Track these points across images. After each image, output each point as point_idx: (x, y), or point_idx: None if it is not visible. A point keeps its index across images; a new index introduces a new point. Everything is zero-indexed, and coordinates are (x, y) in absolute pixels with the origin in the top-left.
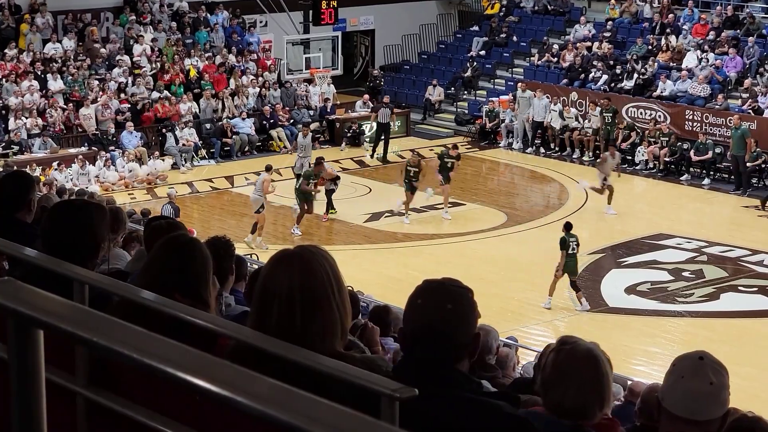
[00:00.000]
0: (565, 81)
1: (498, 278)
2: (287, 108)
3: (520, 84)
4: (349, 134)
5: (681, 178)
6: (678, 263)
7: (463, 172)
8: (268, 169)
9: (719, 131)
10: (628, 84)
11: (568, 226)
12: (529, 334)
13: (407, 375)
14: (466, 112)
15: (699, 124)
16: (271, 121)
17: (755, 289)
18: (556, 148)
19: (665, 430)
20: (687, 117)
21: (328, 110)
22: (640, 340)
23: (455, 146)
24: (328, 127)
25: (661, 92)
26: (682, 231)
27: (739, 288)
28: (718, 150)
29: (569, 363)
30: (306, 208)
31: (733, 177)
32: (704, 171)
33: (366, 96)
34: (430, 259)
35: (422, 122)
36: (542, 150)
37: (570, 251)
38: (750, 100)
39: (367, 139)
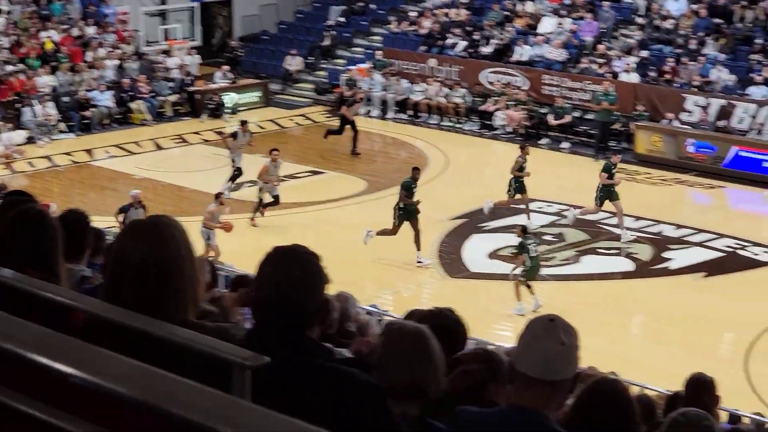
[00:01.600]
0: (423, 48)
1: (360, 246)
2: (147, 80)
3: (378, 52)
4: (210, 106)
5: (540, 143)
6: (540, 227)
7: (322, 141)
8: (216, 197)
9: (576, 95)
10: (486, 50)
11: (524, 230)
12: (392, 301)
13: (259, 343)
14: (325, 81)
15: (557, 89)
16: (131, 93)
17: (616, 251)
18: (416, 114)
19: (518, 391)
20: (544, 82)
21: (188, 82)
22: (504, 304)
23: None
24: (188, 99)
25: (519, 57)
26: (542, 195)
27: (600, 250)
28: (576, 114)
29: (398, 344)
30: (412, 224)
31: (594, 141)
32: (563, 135)
33: (225, 67)
34: (292, 227)
35: (282, 92)
36: (401, 116)
37: (532, 254)
38: (606, 65)
39: (228, 111)
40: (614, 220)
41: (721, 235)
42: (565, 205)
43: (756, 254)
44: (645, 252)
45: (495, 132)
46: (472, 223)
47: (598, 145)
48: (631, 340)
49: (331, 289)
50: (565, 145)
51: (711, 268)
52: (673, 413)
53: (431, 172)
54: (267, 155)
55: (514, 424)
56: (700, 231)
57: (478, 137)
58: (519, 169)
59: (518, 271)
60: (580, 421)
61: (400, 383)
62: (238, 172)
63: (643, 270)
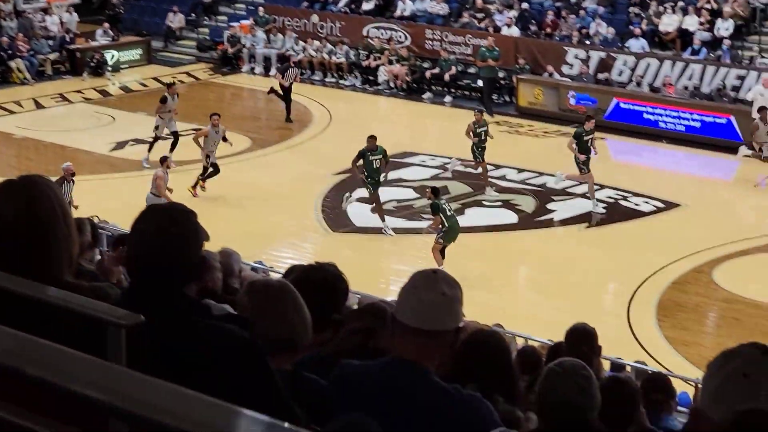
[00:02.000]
0: (305, 4)
1: (245, 203)
2: (26, 38)
3: (260, 8)
4: (92, 64)
5: (423, 97)
6: (423, 180)
7: (206, 98)
8: (162, 161)
9: (459, 49)
10: (367, 6)
11: (435, 192)
12: (278, 257)
13: (134, 302)
14: (208, 38)
15: (439, 43)
16: (9, 52)
17: (499, 203)
18: (300, 71)
19: (399, 343)
20: (427, 36)
21: (68, 40)
22: (389, 258)
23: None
24: (69, 57)
25: (402, 12)
26: (426, 148)
27: (484, 203)
28: (459, 68)
29: (264, 300)
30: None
31: (480, 96)
32: (445, 89)
33: (106, 24)
34: (176, 187)
35: (164, 50)
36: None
37: (448, 213)
38: (487, 19)
39: (110, 68)
40: (499, 172)
41: (603, 186)
42: (447, 158)
43: (637, 204)
44: (528, 204)
45: (378, 87)
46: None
47: (483, 100)
48: (515, 291)
49: (215, 246)
50: (447, 99)
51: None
52: (551, 363)
53: (315, 129)
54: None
55: (394, 377)
56: (582, 182)
57: (361, 93)
58: (476, 135)
59: (437, 235)
60: (460, 374)
61: (269, 338)
62: (174, 138)
63: (527, 222)
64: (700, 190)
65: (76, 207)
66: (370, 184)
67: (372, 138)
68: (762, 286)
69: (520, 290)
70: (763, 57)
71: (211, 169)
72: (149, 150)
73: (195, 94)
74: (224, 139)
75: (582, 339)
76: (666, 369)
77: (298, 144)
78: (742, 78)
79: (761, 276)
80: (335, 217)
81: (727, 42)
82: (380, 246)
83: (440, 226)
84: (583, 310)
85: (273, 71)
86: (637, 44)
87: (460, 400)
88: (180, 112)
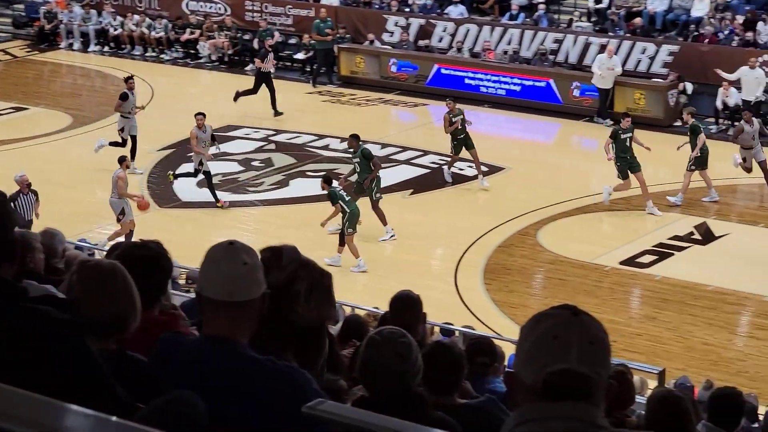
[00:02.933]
0: None
1: (68, 181)
2: None
3: None
4: None
5: (246, 69)
6: (247, 153)
7: (24, 76)
8: (121, 161)
9: (279, 20)
10: None
11: (328, 180)
12: (103, 234)
13: None
14: (24, 14)
15: (259, 14)
16: None
17: (323, 173)
18: (118, 47)
19: (208, 319)
20: (246, 8)
21: None
22: (217, 232)
23: None
24: None
25: None
26: (249, 121)
27: (308, 173)
28: (280, 39)
29: (94, 281)
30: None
31: (314, 68)
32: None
33: None
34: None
35: None
36: (104, 49)
37: (346, 199)
38: None
39: None
40: (321, 142)
41: (426, 152)
42: (272, 130)
43: (461, 169)
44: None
45: (200, 61)
46: (182, 152)
47: (319, 72)
48: (341, 261)
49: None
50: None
51: (417, 185)
52: (371, 332)
53: (138, 104)
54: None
55: (209, 353)
56: (406, 149)
57: (183, 67)
58: (452, 125)
59: (341, 226)
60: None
61: (99, 319)
62: (133, 141)
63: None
64: (522, 153)
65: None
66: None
67: (352, 137)
68: (585, 246)
69: (345, 259)
70: (580, 20)
71: (201, 176)
72: (112, 145)
73: (12, 72)
74: (213, 139)
75: (405, 306)
76: (494, 332)
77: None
78: (559, 42)
79: (584, 236)
80: (161, 193)
81: (542, 6)
82: (208, 220)
83: (341, 214)
84: (410, 277)
85: (92, 46)
86: (456, 10)
87: (275, 372)
88: None
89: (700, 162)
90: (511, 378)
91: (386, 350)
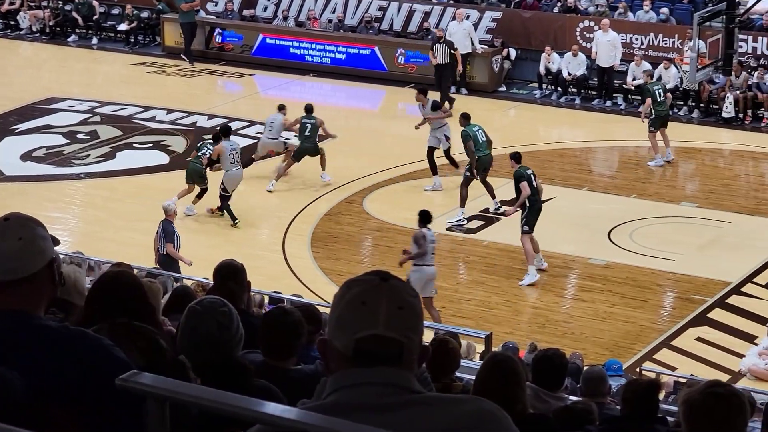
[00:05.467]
0: None
1: None
2: None
3: None
4: None
5: (68, 40)
6: (72, 126)
7: None
8: None
9: None
10: None
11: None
12: None
13: None
14: None
15: None
16: None
17: (150, 145)
18: None
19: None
20: None
21: None
22: (42, 205)
23: None
24: None
25: None
26: (73, 93)
27: (134, 145)
28: (145, 14)
29: None
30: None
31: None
32: (90, 32)
33: None
34: None
35: None
36: None
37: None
38: None
39: None
40: (148, 114)
41: (252, 122)
42: (97, 102)
43: (288, 139)
44: (179, 144)
45: (20, 32)
46: (4, 125)
47: (188, 50)
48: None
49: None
50: (94, 41)
51: (245, 155)
52: (191, 303)
53: None
54: None
55: (4, 330)
56: (233, 119)
57: (2, 39)
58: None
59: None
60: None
61: None
62: None
63: (177, 162)
64: (348, 121)
65: None
66: None
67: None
68: (411, 212)
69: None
70: None
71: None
72: None
73: None
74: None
75: (229, 275)
76: (323, 300)
77: None
78: (383, 9)
79: (409, 203)
80: None
81: None
82: (32, 194)
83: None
84: (239, 246)
85: None
86: None
87: (68, 336)
88: None
89: (656, 123)
90: (324, 345)
91: (206, 320)
